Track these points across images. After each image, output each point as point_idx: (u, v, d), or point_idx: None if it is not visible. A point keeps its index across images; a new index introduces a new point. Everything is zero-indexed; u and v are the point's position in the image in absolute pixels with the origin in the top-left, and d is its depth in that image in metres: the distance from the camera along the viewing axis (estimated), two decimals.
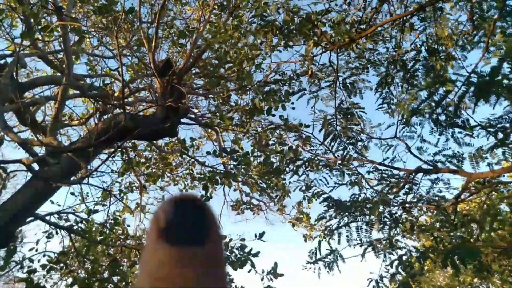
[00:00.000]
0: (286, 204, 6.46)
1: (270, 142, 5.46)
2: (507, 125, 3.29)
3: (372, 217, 3.99)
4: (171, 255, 0.35)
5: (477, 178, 4.00)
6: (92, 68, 5.43)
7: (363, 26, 4.37)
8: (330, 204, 4.27)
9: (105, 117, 4.86)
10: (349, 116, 4.46)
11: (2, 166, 3.46)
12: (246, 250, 4.28)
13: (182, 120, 5.20)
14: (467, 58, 4.16)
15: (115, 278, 4.42)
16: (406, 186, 4.33)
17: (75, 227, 4.60)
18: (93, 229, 4.78)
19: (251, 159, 5.14)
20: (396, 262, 4.00)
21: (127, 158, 5.58)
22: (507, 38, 3.54)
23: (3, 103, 3.52)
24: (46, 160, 3.54)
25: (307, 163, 4.66)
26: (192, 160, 6.23)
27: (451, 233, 4.10)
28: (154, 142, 6.09)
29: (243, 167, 5.08)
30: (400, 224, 4.19)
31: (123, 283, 4.45)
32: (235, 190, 6.06)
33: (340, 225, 4.17)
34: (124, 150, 5.50)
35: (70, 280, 4.29)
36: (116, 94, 4.92)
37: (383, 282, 4.15)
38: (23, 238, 5.98)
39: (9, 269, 4.03)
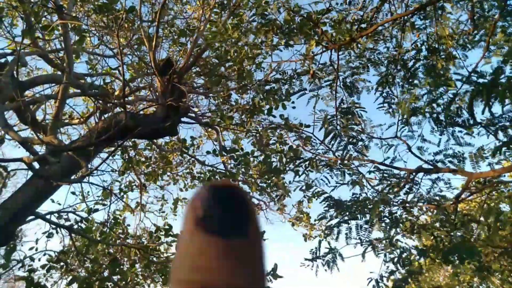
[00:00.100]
0: (286, 203, 6.47)
1: (271, 142, 5.46)
2: (507, 124, 3.29)
3: (372, 216, 3.99)
4: (211, 245, 0.33)
5: (478, 178, 4.00)
6: (92, 67, 5.44)
7: (363, 25, 4.36)
8: (331, 204, 4.27)
9: (106, 116, 4.86)
10: (349, 116, 4.46)
11: (2, 165, 3.46)
12: None
13: (182, 119, 5.20)
14: (467, 58, 4.16)
15: (115, 277, 4.43)
16: (407, 186, 4.33)
17: (76, 226, 4.61)
18: (94, 228, 4.78)
19: (251, 159, 5.14)
20: (395, 259, 4.00)
21: (127, 157, 5.58)
22: (508, 37, 3.54)
23: (4, 101, 3.52)
24: (46, 158, 3.54)
25: (307, 163, 4.66)
26: (192, 159, 6.24)
27: (451, 233, 4.10)
28: (155, 141, 6.09)
29: (243, 166, 5.08)
30: (400, 224, 4.19)
31: (123, 282, 4.45)
32: None
33: (340, 221, 4.17)
34: (124, 149, 5.50)
35: (70, 279, 4.29)
36: (116, 93, 4.93)
37: (383, 282, 4.16)
38: (22, 237, 5.98)
39: (10, 268, 4.04)
